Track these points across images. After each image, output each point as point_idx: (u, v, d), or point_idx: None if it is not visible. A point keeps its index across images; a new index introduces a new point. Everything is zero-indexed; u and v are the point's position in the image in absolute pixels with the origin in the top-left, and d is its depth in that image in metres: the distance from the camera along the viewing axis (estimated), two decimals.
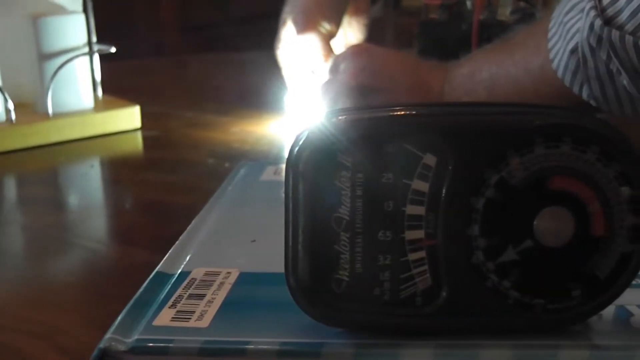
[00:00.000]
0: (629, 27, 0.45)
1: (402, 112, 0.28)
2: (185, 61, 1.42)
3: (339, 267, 0.29)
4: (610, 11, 0.47)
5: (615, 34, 0.46)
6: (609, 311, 0.30)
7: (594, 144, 0.28)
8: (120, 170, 0.71)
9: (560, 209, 0.28)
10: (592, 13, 0.47)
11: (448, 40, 0.78)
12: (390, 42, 1.11)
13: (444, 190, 0.28)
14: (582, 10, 0.49)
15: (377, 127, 0.27)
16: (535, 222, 0.28)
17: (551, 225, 0.28)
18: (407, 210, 0.28)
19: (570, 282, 0.29)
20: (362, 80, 0.68)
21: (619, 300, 0.29)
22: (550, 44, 0.54)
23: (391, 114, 0.28)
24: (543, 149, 0.28)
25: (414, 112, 0.28)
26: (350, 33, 0.86)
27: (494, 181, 0.28)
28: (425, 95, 0.67)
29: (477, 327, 0.29)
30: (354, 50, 0.71)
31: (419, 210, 0.28)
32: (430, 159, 0.28)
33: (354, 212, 0.28)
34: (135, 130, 0.82)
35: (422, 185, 0.28)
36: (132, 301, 0.33)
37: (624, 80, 0.48)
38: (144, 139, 0.80)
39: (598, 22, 0.47)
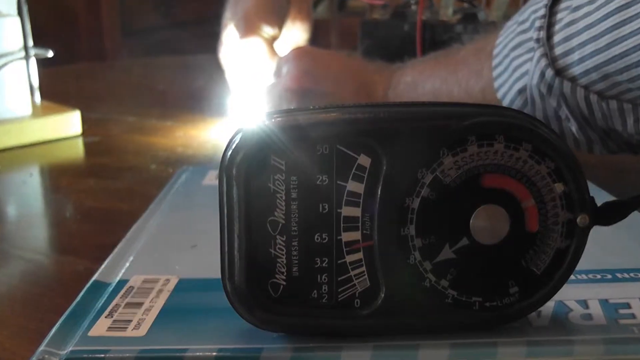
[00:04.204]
0: (582, 82, 0.47)
1: (334, 114, 0.28)
2: (127, 65, 1.40)
3: (275, 271, 0.29)
4: (561, 63, 0.48)
5: (566, 85, 0.48)
6: (548, 307, 0.31)
7: (527, 141, 0.28)
8: (60, 178, 0.70)
9: (494, 207, 0.29)
10: (543, 62, 0.49)
11: (391, 40, 0.78)
12: (335, 43, 1.12)
13: (379, 191, 0.28)
14: (531, 50, 0.50)
15: (310, 128, 0.27)
16: (470, 221, 0.29)
17: (486, 223, 0.29)
18: (343, 212, 0.28)
19: (508, 279, 0.29)
20: (304, 83, 0.68)
21: (558, 296, 0.30)
22: (495, 73, 0.56)
23: (323, 115, 0.28)
24: (476, 148, 0.28)
25: (346, 114, 0.28)
26: (295, 34, 0.87)
27: (428, 181, 0.28)
28: (369, 98, 0.67)
29: (416, 326, 0.29)
30: (296, 54, 0.72)
31: (355, 211, 0.28)
32: (364, 160, 0.28)
33: (289, 215, 0.28)
34: (76, 136, 0.81)
35: (357, 187, 0.28)
36: (67, 312, 0.32)
37: (573, 127, 0.50)
38: (85, 145, 0.79)
39: (550, 72, 0.48)
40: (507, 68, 0.54)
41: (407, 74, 0.66)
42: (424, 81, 0.64)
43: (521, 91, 0.52)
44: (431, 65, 0.65)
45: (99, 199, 0.61)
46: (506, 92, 0.54)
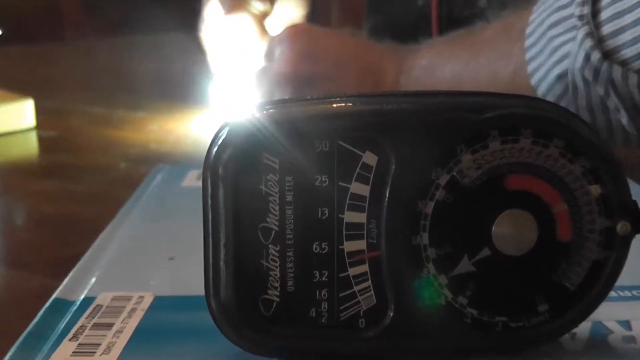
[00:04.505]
0: (635, 66, 0.47)
1: (336, 105, 0.28)
2: (90, 46, 1.41)
3: (267, 285, 0.29)
4: (610, 43, 0.48)
5: (616, 70, 0.48)
6: (584, 328, 0.31)
7: (558, 137, 0.29)
8: (10, 179, 0.70)
9: (520, 212, 0.29)
10: (588, 43, 0.49)
11: (402, 17, 0.79)
12: (337, 21, 1.12)
13: (387, 194, 0.29)
14: (573, 29, 0.50)
15: (307, 122, 0.28)
16: (492, 228, 0.29)
17: (511, 231, 0.29)
18: (346, 218, 0.29)
19: (536, 296, 0.30)
20: (301, 67, 0.68)
21: (595, 316, 0.30)
22: (528, 55, 0.56)
23: (323, 106, 0.28)
24: (499, 144, 0.29)
25: (349, 105, 0.28)
26: (289, 9, 0.87)
27: (443, 182, 0.29)
28: (377, 85, 0.68)
29: (430, 350, 0.30)
30: (291, 32, 0.72)
31: (360, 217, 0.29)
32: (370, 158, 0.29)
33: (284, 221, 0.29)
34: (29, 129, 0.81)
35: (362, 189, 0.29)
36: (24, 334, 0.33)
37: (623, 118, 0.50)
38: (40, 140, 0.79)
39: (596, 55, 0.48)
40: (544, 50, 0.54)
41: (423, 56, 0.67)
42: (442, 65, 0.64)
43: (561, 77, 0.52)
44: (451, 46, 0.65)
45: (57, 203, 0.62)
46: (542, 78, 0.54)
